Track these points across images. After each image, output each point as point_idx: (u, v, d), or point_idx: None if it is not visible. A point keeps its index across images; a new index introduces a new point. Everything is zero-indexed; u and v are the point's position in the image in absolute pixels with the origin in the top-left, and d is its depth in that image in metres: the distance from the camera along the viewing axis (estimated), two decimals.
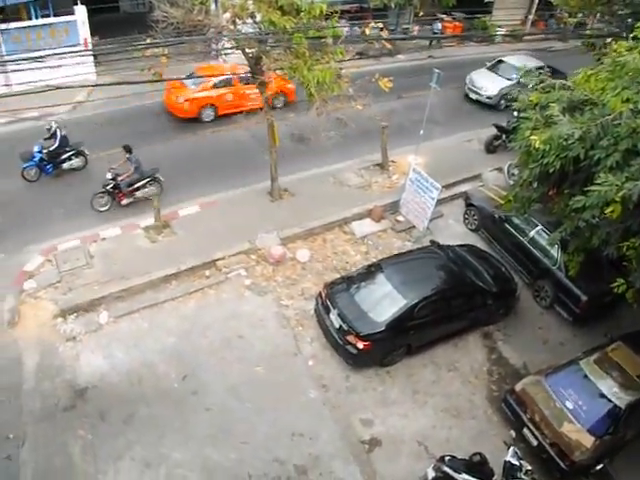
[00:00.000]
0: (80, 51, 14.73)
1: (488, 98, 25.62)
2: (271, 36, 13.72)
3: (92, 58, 21.80)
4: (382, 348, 12.69)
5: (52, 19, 23.26)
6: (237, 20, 14.37)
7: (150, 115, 21.71)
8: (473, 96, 26.08)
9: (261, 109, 16.44)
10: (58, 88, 11.81)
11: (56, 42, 21.38)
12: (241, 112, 20.60)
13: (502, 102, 25.04)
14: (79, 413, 11.62)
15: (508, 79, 24.88)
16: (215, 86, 21.45)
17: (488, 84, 25.80)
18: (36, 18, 23.27)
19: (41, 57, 10.91)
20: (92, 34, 23.51)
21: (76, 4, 23.20)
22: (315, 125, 15.08)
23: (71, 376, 12.26)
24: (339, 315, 12.68)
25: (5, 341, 12.83)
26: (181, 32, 14.32)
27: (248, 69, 15.80)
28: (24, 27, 22.11)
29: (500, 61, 26.53)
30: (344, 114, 15.89)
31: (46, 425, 11.35)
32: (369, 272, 13.71)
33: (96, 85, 19.00)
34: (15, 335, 12.96)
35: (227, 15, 14.48)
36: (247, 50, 14.63)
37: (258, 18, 14.04)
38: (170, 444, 11.24)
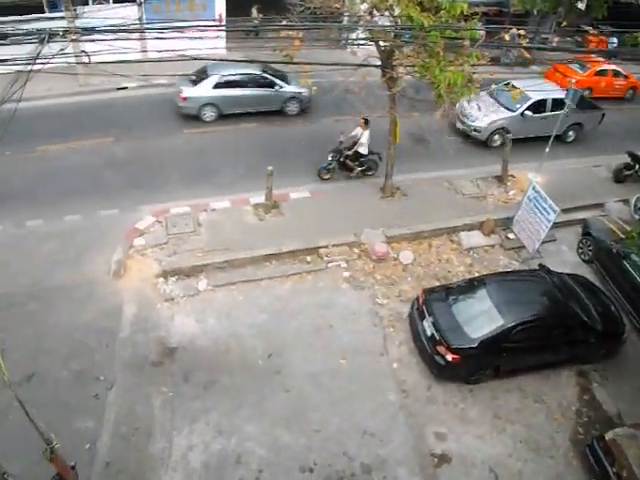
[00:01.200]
0: (215, 26, 15.19)
1: (475, 131, 21.22)
2: (407, 31, 13.53)
3: (225, 34, 22.50)
4: (470, 365, 12.33)
5: None
6: (374, 11, 14.29)
7: None
8: (459, 125, 21.54)
9: (621, 99, 17.06)
10: (195, 59, 12.23)
11: (193, 15, 22.31)
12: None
13: (496, 138, 21.28)
14: (165, 370, 12.20)
15: (510, 109, 21.25)
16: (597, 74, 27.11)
17: (480, 113, 21.14)
18: None
19: (178, 27, 11.30)
20: (228, 10, 24.26)
21: None
22: (438, 128, 14.81)
23: (164, 334, 12.90)
24: (433, 323, 12.43)
25: (110, 290, 13.71)
26: (317, 17, 14.40)
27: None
28: None
29: (509, 84, 21.58)
30: None
31: (134, 375, 12.01)
32: (471, 285, 13.35)
33: (225, 60, 19.60)
34: (119, 286, 13.81)
35: (365, 5, 14.44)
36: (381, 43, 14.53)
37: (396, 12, 13.89)
38: (245, 417, 11.51)
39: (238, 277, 14.30)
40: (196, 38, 11.74)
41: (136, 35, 16.45)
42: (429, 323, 12.54)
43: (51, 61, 10.33)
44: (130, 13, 21.47)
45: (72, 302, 13.39)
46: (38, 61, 9.54)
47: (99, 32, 11.33)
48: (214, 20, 22.59)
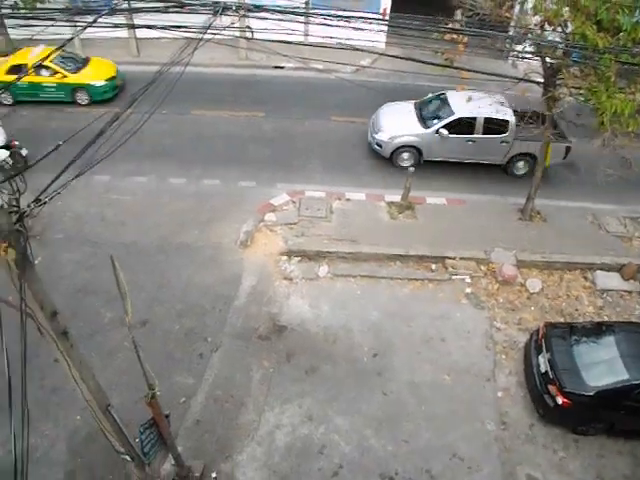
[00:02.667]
0: (378, 19, 15.06)
1: (378, 145, 17.98)
2: (578, 51, 12.68)
3: (386, 28, 22.35)
4: (582, 414, 11.36)
5: None
6: (546, 25, 13.53)
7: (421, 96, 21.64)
8: (369, 138, 18.53)
9: None
10: (356, 49, 12.20)
11: (357, 6, 22.29)
12: None
13: (405, 157, 17.89)
14: (271, 346, 12.35)
15: (426, 125, 17.75)
16: None
17: (388, 125, 18.02)
18: None
19: (342, 16, 11.33)
20: (393, 5, 24.11)
21: None
22: (593, 157, 13.85)
23: (276, 311, 13.07)
24: (549, 360, 11.62)
25: (234, 258, 14.15)
26: (484, 24, 13.87)
27: None
28: None
29: (440, 96, 18.53)
30: (632, 154, 14.32)
31: (240, 343, 12.28)
32: (598, 329, 12.33)
33: (384, 54, 19.42)
34: (243, 256, 14.22)
35: (537, 18, 13.70)
36: (547, 60, 13.74)
37: (569, 28, 13.05)
38: (338, 410, 11.38)
39: (359, 271, 14.17)
40: (358, 29, 11.75)
41: (301, 18, 16.79)
42: (545, 359, 11.74)
43: (220, 33, 10.81)
44: None
45: (195, 262, 13.97)
46: (209, 31, 9.97)
47: (267, 11, 11.67)
48: (378, 13, 22.56)
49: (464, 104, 16.87)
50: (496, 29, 14.13)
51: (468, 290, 14.38)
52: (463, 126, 17.42)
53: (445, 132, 17.31)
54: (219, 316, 12.77)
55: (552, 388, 11.29)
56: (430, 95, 18.63)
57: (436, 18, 13.76)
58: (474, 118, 17.26)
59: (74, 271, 13.66)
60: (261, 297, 13.29)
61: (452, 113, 17.48)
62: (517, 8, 14.99)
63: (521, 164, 18.12)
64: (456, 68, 14.37)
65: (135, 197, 16.02)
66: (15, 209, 5.07)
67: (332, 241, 14.60)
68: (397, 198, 16.17)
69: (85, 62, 20.89)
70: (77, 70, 20.26)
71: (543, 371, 11.66)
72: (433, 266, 14.72)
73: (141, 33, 22.37)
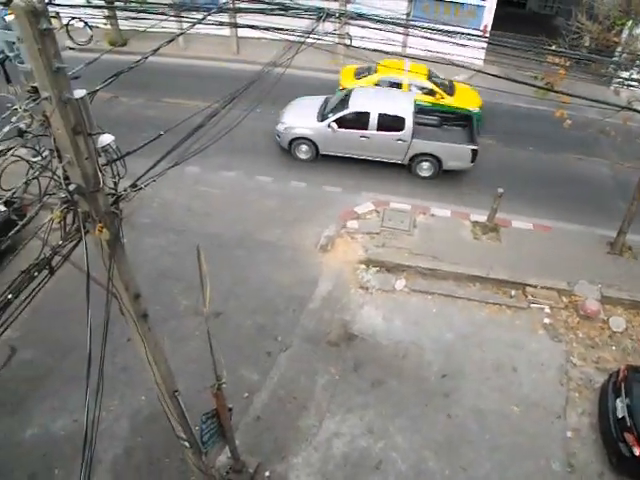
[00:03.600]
0: (478, 36, 14.75)
1: (277, 135, 17.90)
2: None
3: (485, 45, 21.90)
4: None
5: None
6: None
7: (523, 119, 21.15)
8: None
9: None
10: (453, 64, 12.06)
11: (458, 21, 22.09)
12: None
13: (304, 149, 17.69)
14: (339, 353, 12.32)
15: (321, 119, 17.45)
16: None
17: (289, 117, 17.93)
18: None
19: (442, 30, 11.23)
20: (494, 23, 23.70)
21: None
22: None
23: (349, 319, 13.05)
24: (628, 406, 10.98)
25: (313, 261, 14.28)
26: (591, 49, 13.36)
27: None
28: (436, 0, 23.86)
29: (348, 91, 18.20)
30: None
31: (309, 347, 12.33)
32: None
33: (481, 72, 19.02)
34: (322, 260, 14.30)
35: None
36: None
37: None
38: (399, 426, 11.21)
39: (437, 288, 13.96)
40: (459, 45, 11.59)
41: (401, 29, 16.77)
42: (623, 404, 11.11)
43: (321, 37, 10.94)
44: (399, 7, 21.84)
45: (274, 260, 14.14)
46: (309, 36, 10.13)
47: (369, 20, 11.72)
48: (478, 30, 22.19)
49: (363, 99, 17.13)
50: (602, 54, 13.64)
51: (546, 321, 13.88)
52: (357, 121, 16.97)
53: (335, 126, 16.99)
54: (292, 317, 12.89)
55: (629, 437, 10.65)
56: (341, 90, 18.47)
57: (539, 39, 13.41)
58: (368, 113, 16.80)
59: (156, 256, 14.10)
60: (335, 303, 13.31)
61: (346, 107, 17.13)
62: (626, 33, 14.40)
63: (425, 165, 17.39)
64: (555, 92, 13.90)
65: (222, 191, 16.41)
66: (113, 192, 5.25)
67: (412, 255, 14.45)
68: (483, 218, 15.82)
69: (452, 86, 20.16)
70: (452, 93, 19.67)
71: (620, 417, 11.05)
72: (512, 292, 14.31)
73: (242, 32, 22.89)
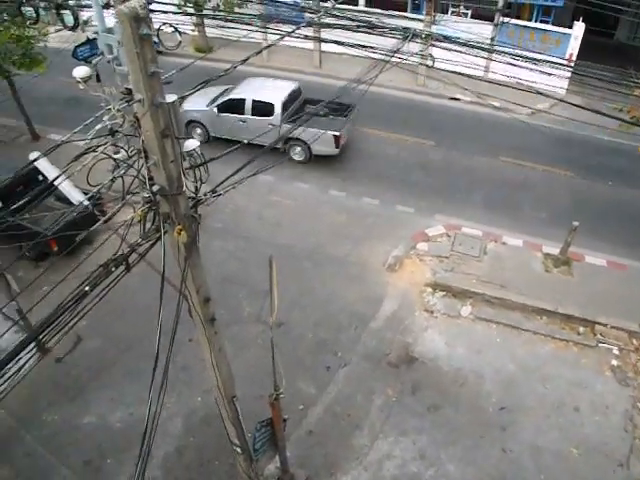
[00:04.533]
0: (562, 64, 14.40)
1: None
2: None
3: (570, 74, 21.39)
4: None
5: (549, 27, 23.87)
6: None
7: (604, 152, 20.33)
8: None
9: None
10: (536, 92, 11.78)
11: (543, 48, 21.65)
12: None
13: (199, 132, 19.49)
14: (398, 374, 12.17)
15: (211, 103, 19.28)
16: None
17: (190, 100, 18.75)
18: (535, 21, 24.70)
19: (526, 57, 11.03)
20: (580, 52, 23.08)
21: (576, 20, 23.15)
22: None
23: (411, 341, 12.88)
24: None
25: (379, 280, 14.20)
26: None
27: None
28: (522, 26, 23.48)
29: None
30: None
31: (368, 365, 12.24)
32: None
33: (564, 101, 18.54)
34: (389, 279, 14.19)
35: None
36: None
37: None
38: (452, 455, 10.97)
39: (503, 318, 13.61)
40: (541, 72, 11.37)
41: (484, 53, 16.62)
42: None
43: (404, 57, 10.98)
44: (484, 31, 21.61)
45: (341, 276, 14.14)
46: (394, 55, 10.21)
47: (454, 43, 11.70)
48: (563, 58, 21.69)
49: (245, 87, 19.01)
50: None
51: (614, 362, 13.30)
52: (236, 107, 18.62)
53: (215, 110, 18.89)
54: (354, 334, 12.84)
55: None
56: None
57: (626, 71, 13.00)
58: (244, 100, 18.50)
59: (225, 260, 14.34)
60: (398, 324, 13.17)
61: (227, 94, 19.13)
62: None
63: (297, 150, 18.37)
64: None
65: (295, 202, 16.60)
66: (194, 196, 5.36)
67: (480, 282, 14.16)
68: (555, 251, 15.34)
69: None
70: None
71: None
72: (581, 329, 13.78)
73: (325, 46, 23.15)
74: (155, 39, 4.49)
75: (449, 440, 11.15)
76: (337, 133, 17.39)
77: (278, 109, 17.86)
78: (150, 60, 4.47)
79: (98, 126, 5.01)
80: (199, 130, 19.58)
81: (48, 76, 20.14)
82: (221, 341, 6.83)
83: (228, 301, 13.11)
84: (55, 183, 7.88)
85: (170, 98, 4.72)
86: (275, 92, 18.67)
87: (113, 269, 5.05)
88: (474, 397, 11.96)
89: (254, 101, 18.30)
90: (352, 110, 18.19)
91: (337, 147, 17.72)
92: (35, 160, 6.05)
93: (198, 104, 19.26)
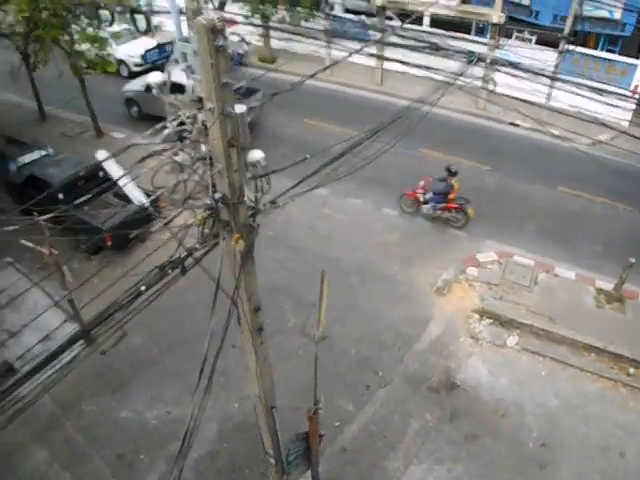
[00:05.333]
0: (628, 96, 14.14)
1: None
2: None
3: (633, 106, 20.90)
4: None
5: (615, 56, 23.36)
6: None
7: None
8: None
9: None
10: (598, 123, 11.55)
11: (608, 78, 21.22)
12: None
13: (134, 110, 22.03)
14: (438, 400, 12.00)
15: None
16: None
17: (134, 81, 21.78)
18: (601, 50, 24.28)
19: (589, 86, 10.86)
20: None
21: None
22: None
23: (454, 366, 12.71)
24: None
25: (426, 302, 14.09)
26: None
27: None
28: (587, 54, 23.01)
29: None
30: None
31: (408, 388, 12.12)
32: None
33: (626, 133, 18.08)
34: (436, 302, 14.07)
35: None
36: None
37: None
38: None
39: (550, 351, 13.28)
40: (605, 103, 11.18)
41: (547, 80, 16.44)
42: None
43: (466, 80, 10.96)
44: (548, 58, 21.26)
45: (387, 294, 14.08)
46: (458, 78, 10.22)
47: (518, 69, 11.63)
48: (628, 90, 21.22)
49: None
50: None
51: None
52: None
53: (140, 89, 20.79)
54: (396, 354, 12.74)
55: None
56: None
57: None
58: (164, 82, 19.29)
59: (273, 269, 14.42)
60: (442, 348, 13.01)
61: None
62: None
63: None
64: None
65: (347, 217, 16.64)
66: (253, 205, 5.42)
67: (529, 313, 13.87)
68: (609, 286, 14.91)
69: None
70: None
71: None
72: (631, 370, 13.31)
73: (387, 64, 23.16)
74: (240, 50, 4.59)
75: (485, 472, 10.91)
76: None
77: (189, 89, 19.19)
78: (223, 71, 4.55)
79: (167, 131, 5.12)
80: (135, 108, 21.98)
81: (115, 76, 20.84)
82: (267, 351, 6.85)
83: (273, 311, 13.14)
84: (119, 183, 8.07)
85: (239, 109, 4.78)
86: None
87: (169, 271, 5.15)
88: (514, 430, 11.69)
89: (173, 83, 19.33)
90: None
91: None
92: (104, 160, 6.21)
93: (136, 86, 21.57)
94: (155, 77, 5.03)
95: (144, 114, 21.31)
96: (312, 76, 6.64)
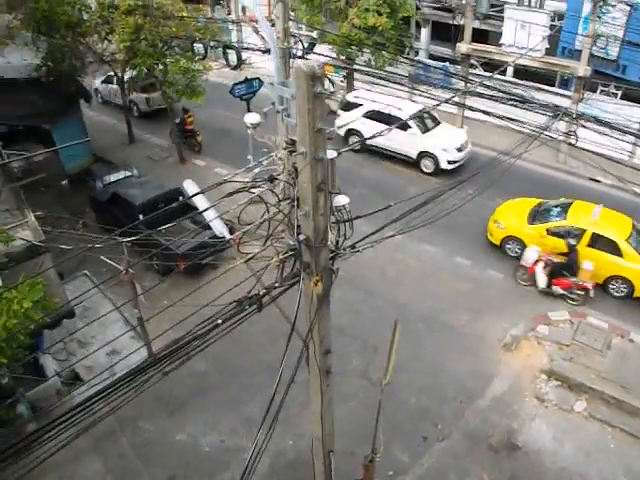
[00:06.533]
0: None
1: None
2: None
3: None
4: None
5: None
6: None
7: None
8: None
9: None
10: None
11: None
12: None
13: None
14: (497, 460, 11.57)
15: None
16: None
17: None
18: None
19: None
20: None
21: None
22: None
23: (516, 427, 12.23)
24: None
25: (492, 357, 13.69)
26: None
27: None
28: None
29: None
30: None
31: (467, 444, 11.75)
32: None
33: None
34: (502, 358, 13.64)
35: None
36: None
37: None
38: None
39: (620, 422, 12.55)
40: None
41: (631, 137, 16.04)
42: None
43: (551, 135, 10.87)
44: (633, 113, 20.69)
45: (453, 345, 13.82)
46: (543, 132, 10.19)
47: (602, 124, 11.43)
48: None
49: None
50: None
51: None
52: None
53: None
54: (457, 408, 12.39)
55: None
56: None
57: None
58: None
59: (341, 310, 14.27)
60: (505, 407, 12.54)
61: None
62: None
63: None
64: None
65: (419, 263, 16.53)
66: (334, 249, 5.47)
67: (600, 378, 13.20)
68: None
69: None
70: None
71: None
72: None
73: (468, 111, 23.06)
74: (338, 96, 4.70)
75: None
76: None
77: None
78: (319, 117, 4.64)
79: (257, 169, 5.26)
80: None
81: (203, 106, 21.61)
82: (331, 394, 6.82)
83: (336, 351, 12.98)
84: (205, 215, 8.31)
85: (330, 154, 4.86)
86: None
87: (247, 307, 5.23)
88: None
89: None
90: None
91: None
92: (195, 195, 6.44)
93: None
94: (251, 118, 5.18)
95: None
96: (400, 123, 6.70)
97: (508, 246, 17.08)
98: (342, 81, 26.51)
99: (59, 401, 12.27)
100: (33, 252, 11.49)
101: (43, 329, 12.27)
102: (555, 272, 15.47)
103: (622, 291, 15.77)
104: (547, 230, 16.36)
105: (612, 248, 15.64)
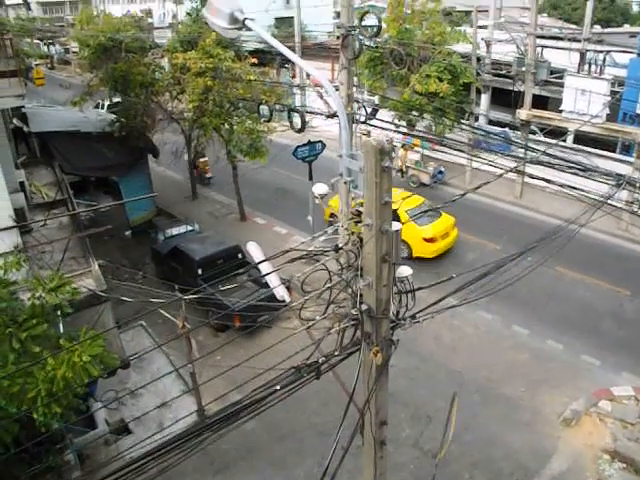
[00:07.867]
0: None
1: None
2: None
3: None
4: None
5: None
6: None
7: None
8: None
9: None
10: None
11: None
12: None
13: None
14: None
15: None
16: None
17: None
18: None
19: None
20: None
21: None
22: None
23: None
24: None
25: (551, 432, 13.03)
26: None
27: None
28: None
29: None
30: None
31: None
32: None
33: None
34: (561, 434, 12.97)
35: None
36: None
37: None
38: None
39: None
40: None
41: None
42: None
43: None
44: None
45: (509, 418, 13.28)
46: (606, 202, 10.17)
47: None
48: None
49: None
50: None
51: None
52: None
53: None
54: None
55: None
56: None
57: None
58: None
59: (394, 376, 13.83)
60: None
61: None
62: None
63: None
64: None
65: (475, 330, 16.20)
66: (394, 319, 5.45)
67: None
68: None
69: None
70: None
71: None
72: None
73: (528, 177, 22.90)
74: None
75: None
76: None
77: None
78: (386, 190, 4.72)
79: (322, 238, 5.34)
80: None
81: (264, 166, 22.20)
82: (385, 466, 6.68)
83: (388, 419, 12.81)
84: (266, 276, 8.47)
85: (395, 226, 4.91)
86: None
87: (305, 375, 5.23)
88: None
89: None
90: None
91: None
92: (261, 262, 6.61)
93: None
94: (319, 189, 5.30)
95: None
96: (464, 194, 6.71)
97: None
98: (403, 145, 26.76)
99: (106, 450, 12.33)
100: (95, 300, 11.78)
101: (98, 377, 12.46)
102: None
103: None
104: None
105: None
